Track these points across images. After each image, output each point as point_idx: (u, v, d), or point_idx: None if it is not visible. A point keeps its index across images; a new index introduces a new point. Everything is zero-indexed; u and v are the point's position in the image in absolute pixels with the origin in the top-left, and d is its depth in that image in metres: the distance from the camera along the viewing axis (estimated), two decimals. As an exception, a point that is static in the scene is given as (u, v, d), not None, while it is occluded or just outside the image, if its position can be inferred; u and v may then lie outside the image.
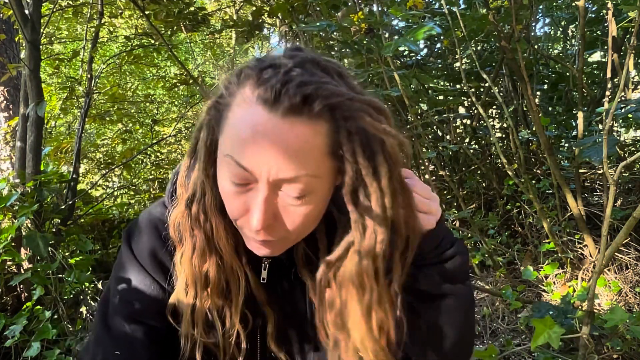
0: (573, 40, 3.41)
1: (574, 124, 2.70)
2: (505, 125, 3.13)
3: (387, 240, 0.56)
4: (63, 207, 2.35)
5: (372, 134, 0.54)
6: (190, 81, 3.29)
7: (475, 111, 2.83)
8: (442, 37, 2.71)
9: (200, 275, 0.65)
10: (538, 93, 3.10)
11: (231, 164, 0.56)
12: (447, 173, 2.89)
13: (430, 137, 3.15)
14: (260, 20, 2.82)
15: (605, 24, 2.55)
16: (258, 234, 0.58)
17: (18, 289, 2.13)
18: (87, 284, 2.11)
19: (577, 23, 2.76)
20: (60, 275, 2.02)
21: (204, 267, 0.65)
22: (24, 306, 1.92)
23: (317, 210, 0.59)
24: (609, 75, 2.02)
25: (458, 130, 3.28)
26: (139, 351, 0.69)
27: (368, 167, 0.54)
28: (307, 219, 0.58)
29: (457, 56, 2.55)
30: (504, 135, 3.25)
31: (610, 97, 2.01)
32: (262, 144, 0.53)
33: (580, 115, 2.12)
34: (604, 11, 2.59)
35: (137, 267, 0.71)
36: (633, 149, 2.79)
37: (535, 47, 2.96)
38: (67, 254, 2.20)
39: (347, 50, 2.39)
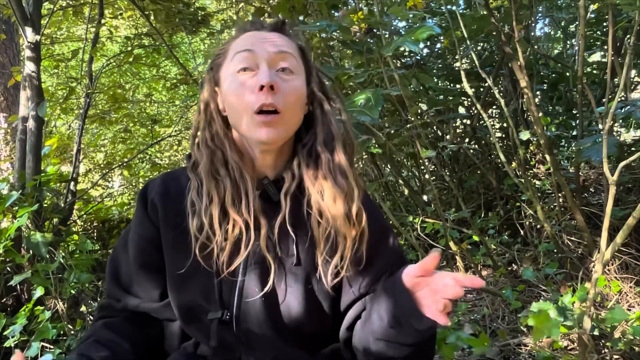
0: (573, 40, 3.41)
1: (574, 124, 2.70)
2: (505, 125, 3.13)
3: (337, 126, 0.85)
4: (63, 207, 2.35)
5: (315, 64, 0.88)
6: (191, 81, 3.29)
7: (475, 111, 2.83)
8: (442, 37, 2.71)
9: (213, 193, 0.80)
10: (538, 93, 3.10)
11: (239, 55, 0.80)
12: (447, 173, 2.89)
13: (430, 137, 3.15)
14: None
15: (605, 24, 2.55)
16: (267, 97, 0.76)
17: (18, 289, 2.13)
18: (87, 284, 2.11)
19: (577, 23, 2.76)
20: (60, 275, 2.01)
21: (215, 191, 0.80)
22: (24, 306, 1.92)
23: (300, 92, 0.82)
24: (609, 75, 2.02)
25: (458, 130, 3.28)
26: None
27: (320, 83, 0.87)
28: (294, 94, 0.80)
29: (457, 56, 2.55)
30: (504, 135, 3.25)
31: (610, 97, 2.01)
32: (259, 36, 0.82)
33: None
34: (604, 11, 2.59)
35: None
36: (633, 149, 2.78)
37: (535, 47, 2.96)
38: (67, 254, 2.20)
39: (347, 50, 2.39)
